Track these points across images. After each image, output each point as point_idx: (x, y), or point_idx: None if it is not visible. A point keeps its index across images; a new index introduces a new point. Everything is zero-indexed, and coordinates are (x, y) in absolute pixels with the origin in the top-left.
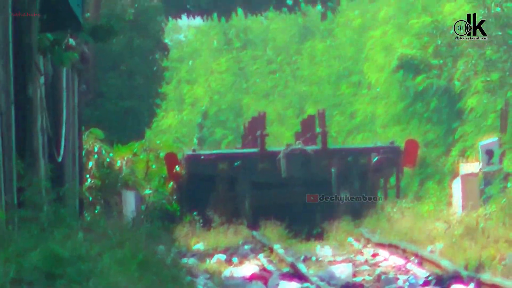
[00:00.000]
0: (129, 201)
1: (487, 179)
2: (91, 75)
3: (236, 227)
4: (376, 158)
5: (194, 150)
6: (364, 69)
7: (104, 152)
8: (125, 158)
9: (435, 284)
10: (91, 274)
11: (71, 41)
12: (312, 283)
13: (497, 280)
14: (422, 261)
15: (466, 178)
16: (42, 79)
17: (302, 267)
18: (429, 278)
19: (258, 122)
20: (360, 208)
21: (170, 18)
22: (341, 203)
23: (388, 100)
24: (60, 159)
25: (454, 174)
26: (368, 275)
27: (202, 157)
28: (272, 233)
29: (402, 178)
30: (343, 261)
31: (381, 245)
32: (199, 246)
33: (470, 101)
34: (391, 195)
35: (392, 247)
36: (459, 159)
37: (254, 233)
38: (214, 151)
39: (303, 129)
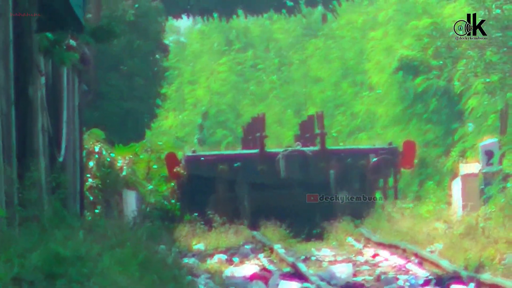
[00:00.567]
0: (130, 201)
1: (487, 179)
2: (92, 76)
3: (236, 228)
4: (375, 159)
5: (194, 151)
6: (365, 70)
7: (104, 152)
8: (126, 158)
9: (435, 284)
10: (91, 274)
11: (72, 42)
12: (312, 283)
13: (497, 280)
14: (422, 261)
15: (466, 178)
16: (43, 80)
17: (302, 267)
18: (429, 278)
19: (258, 124)
20: (359, 208)
21: (170, 19)
22: (341, 203)
23: (388, 101)
24: (61, 159)
25: (454, 174)
26: (369, 275)
27: (202, 158)
28: (273, 233)
29: (400, 179)
30: (343, 261)
31: (381, 245)
32: (200, 246)
33: (470, 102)
34: (390, 196)
35: (392, 247)
36: (459, 159)
37: (255, 233)
38: (214, 152)
39: (302, 131)
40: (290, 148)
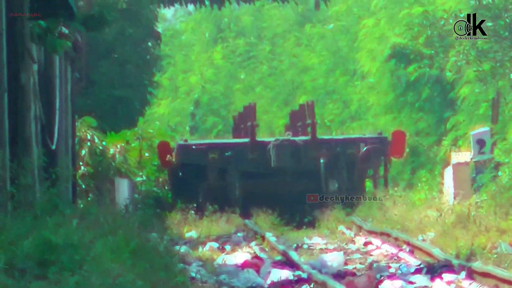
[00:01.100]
0: (122, 188)
1: (478, 168)
2: (84, 64)
3: (228, 216)
4: (365, 148)
5: (185, 140)
6: (357, 58)
7: (97, 140)
8: (118, 146)
9: (427, 272)
10: (83, 262)
11: (64, 30)
12: (303, 271)
13: (488, 268)
14: (413, 249)
15: (458, 167)
16: (35, 67)
17: (294, 255)
18: (421, 266)
19: (249, 113)
20: (348, 197)
21: (162, 7)
22: (330, 191)
23: (380, 89)
24: (53, 146)
25: (446, 163)
26: (360, 263)
27: (194, 147)
28: (264, 221)
29: (390, 168)
30: (334, 249)
31: (373, 233)
32: (192, 234)
33: (462, 91)
34: (381, 185)
35: (384, 235)
36: (451, 148)
37: (246, 221)
38: (205, 141)
39: (292, 120)
40: (281, 138)
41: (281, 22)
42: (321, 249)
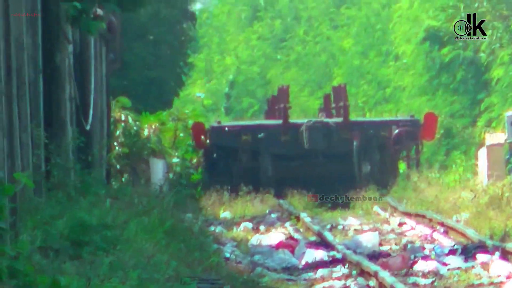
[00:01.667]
0: (156, 169)
1: None
2: (118, 45)
3: (262, 196)
4: (397, 131)
5: (219, 122)
6: (391, 40)
7: (131, 120)
8: (153, 127)
9: (461, 253)
10: (117, 242)
11: (99, 11)
12: (338, 252)
13: None
14: (448, 230)
15: (492, 148)
16: (70, 48)
17: (328, 236)
18: (455, 247)
19: (282, 95)
20: (381, 178)
21: None
22: (363, 173)
23: (414, 71)
24: (88, 127)
25: (480, 144)
26: (395, 244)
27: (226, 128)
28: (299, 202)
29: (422, 150)
30: (369, 230)
31: (407, 214)
32: (226, 214)
33: (496, 72)
34: (413, 166)
35: (418, 216)
36: (485, 129)
37: (281, 201)
38: (238, 123)
39: (326, 102)
40: (313, 119)
41: (317, 4)
42: (355, 229)
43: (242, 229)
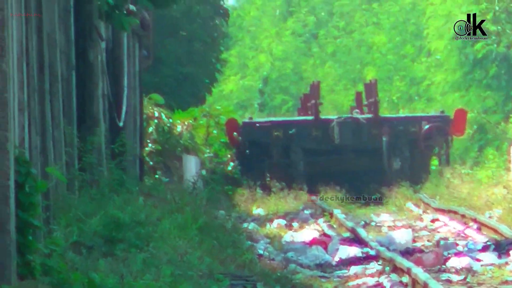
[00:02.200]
0: (189, 165)
1: None
2: (151, 41)
3: (296, 193)
4: (427, 126)
5: (250, 118)
6: (424, 35)
7: (164, 117)
8: (185, 123)
9: (494, 250)
10: (150, 239)
11: (132, 7)
12: (371, 248)
13: None
14: (480, 226)
15: None
16: (103, 45)
17: (362, 232)
18: (488, 244)
19: (313, 91)
20: (412, 174)
21: None
22: (393, 168)
23: (447, 67)
24: (121, 124)
25: None
26: (428, 240)
27: (258, 124)
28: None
29: (452, 146)
30: (402, 226)
31: (440, 210)
32: (259, 211)
33: None
34: (443, 162)
35: (451, 213)
36: None
37: (314, 198)
38: (269, 119)
39: (357, 99)
40: (344, 115)
41: (350, 1)
42: (389, 226)
43: (275, 226)
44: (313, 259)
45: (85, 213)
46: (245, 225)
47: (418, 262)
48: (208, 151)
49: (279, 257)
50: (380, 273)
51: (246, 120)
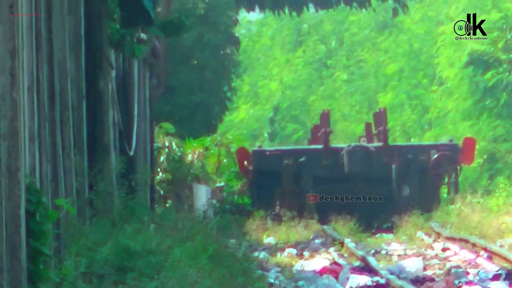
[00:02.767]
0: (200, 195)
1: None
2: (162, 70)
3: (306, 222)
4: (436, 155)
5: (260, 146)
6: (435, 64)
7: (175, 146)
8: (196, 152)
9: (505, 279)
10: (161, 267)
11: (143, 35)
12: (382, 277)
13: None
14: (491, 255)
15: None
16: (113, 73)
17: (372, 261)
18: (499, 272)
19: (323, 119)
20: (422, 202)
21: (243, 11)
22: (402, 196)
23: (458, 95)
24: (132, 153)
25: None
26: (439, 269)
27: (268, 153)
28: (343, 227)
29: (461, 174)
30: (413, 255)
31: (451, 239)
32: (270, 240)
33: None
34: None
35: (462, 241)
36: None
37: (325, 227)
38: (279, 147)
39: (367, 127)
40: (353, 144)
41: (360, 30)
42: (399, 255)
43: (286, 255)
44: None
45: (96, 242)
46: (256, 253)
47: None
48: (219, 180)
49: (290, 286)
50: None
51: (256, 148)
